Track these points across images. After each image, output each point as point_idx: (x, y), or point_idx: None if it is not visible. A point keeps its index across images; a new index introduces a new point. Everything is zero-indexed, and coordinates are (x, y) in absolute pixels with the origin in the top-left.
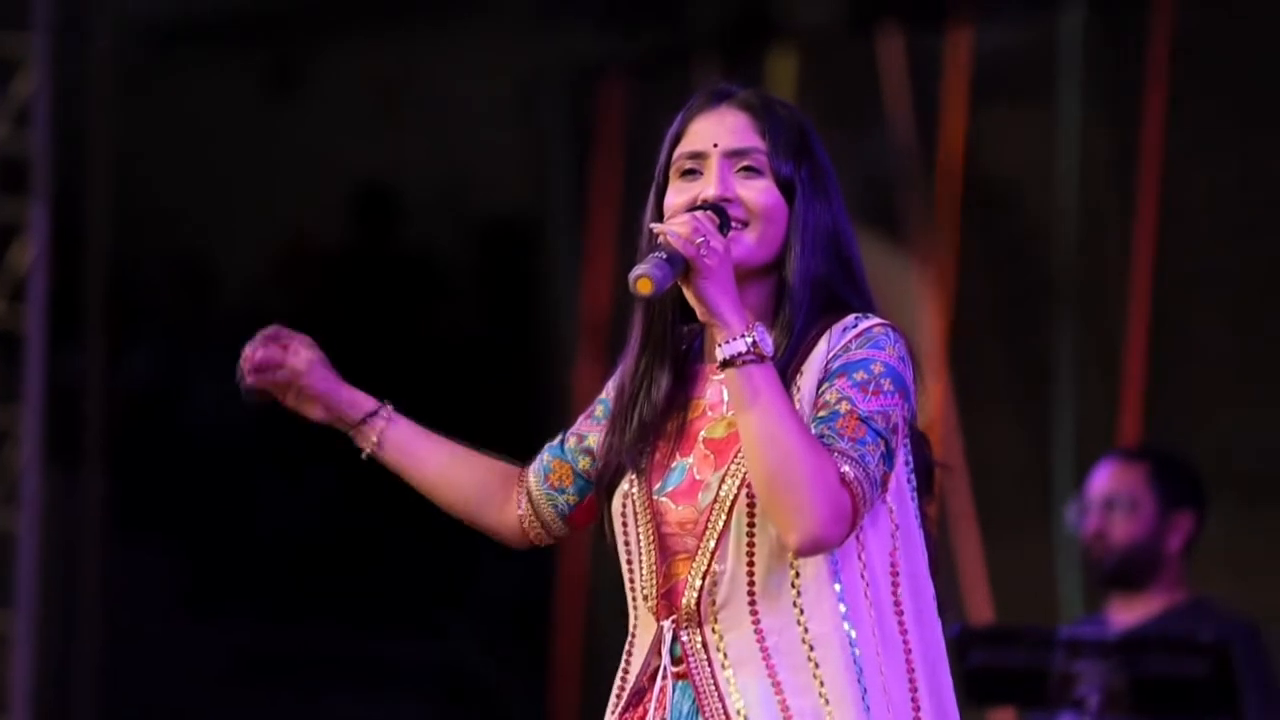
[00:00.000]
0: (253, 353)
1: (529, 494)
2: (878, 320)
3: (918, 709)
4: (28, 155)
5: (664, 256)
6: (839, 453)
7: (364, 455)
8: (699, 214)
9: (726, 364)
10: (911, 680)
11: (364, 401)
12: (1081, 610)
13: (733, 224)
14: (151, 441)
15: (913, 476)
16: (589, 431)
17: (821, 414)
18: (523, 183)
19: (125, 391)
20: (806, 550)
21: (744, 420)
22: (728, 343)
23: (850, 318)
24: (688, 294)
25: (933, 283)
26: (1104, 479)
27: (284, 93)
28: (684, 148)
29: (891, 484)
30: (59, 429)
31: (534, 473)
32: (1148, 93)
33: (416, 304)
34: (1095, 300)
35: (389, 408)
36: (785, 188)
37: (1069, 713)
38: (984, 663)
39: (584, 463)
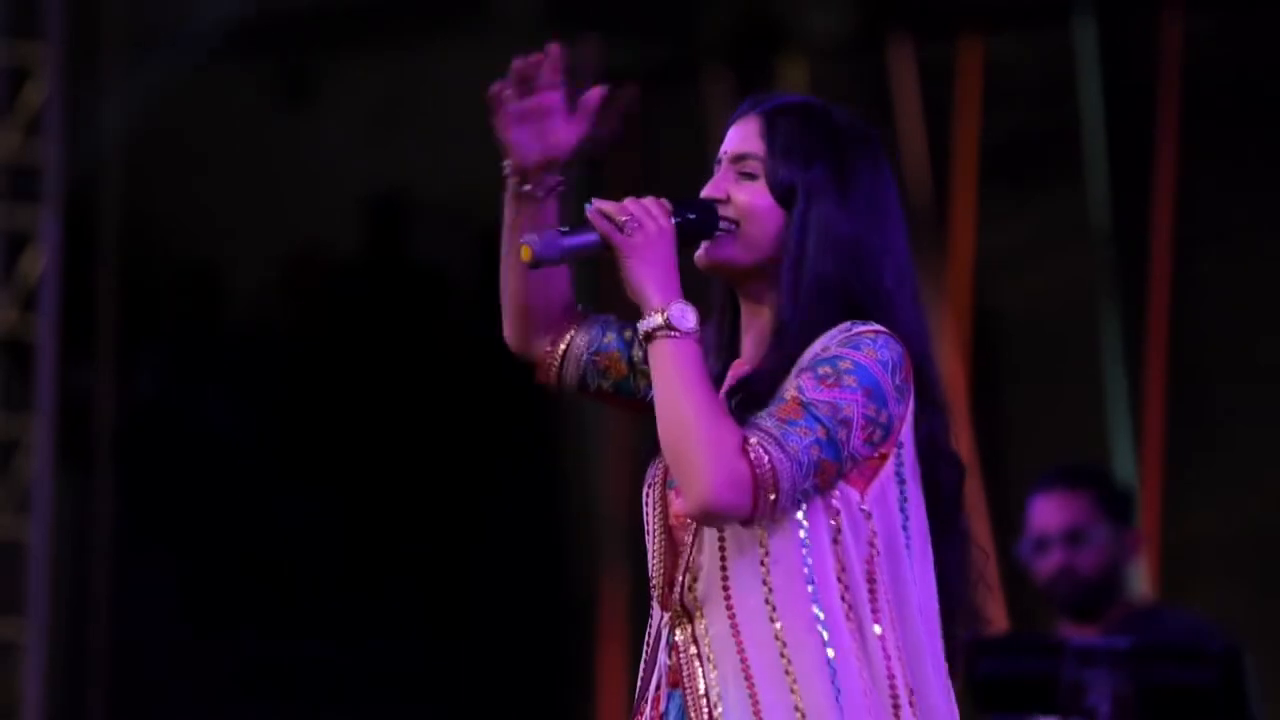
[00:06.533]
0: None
1: (571, 347)
2: (872, 327)
3: (899, 718)
4: (39, 164)
5: (566, 230)
6: (757, 428)
7: (519, 189)
8: (649, 199)
9: (646, 338)
10: (893, 686)
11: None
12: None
13: (722, 223)
14: (162, 450)
15: (907, 488)
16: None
17: (771, 402)
18: None
19: (136, 400)
20: (699, 516)
21: (656, 392)
22: (645, 317)
23: (847, 323)
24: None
25: (949, 287)
26: (1056, 511)
27: (294, 103)
28: (719, 154)
29: (872, 489)
30: (70, 438)
31: (588, 335)
32: (1160, 106)
33: (425, 313)
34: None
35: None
36: (782, 191)
37: None
38: (994, 671)
39: (642, 383)
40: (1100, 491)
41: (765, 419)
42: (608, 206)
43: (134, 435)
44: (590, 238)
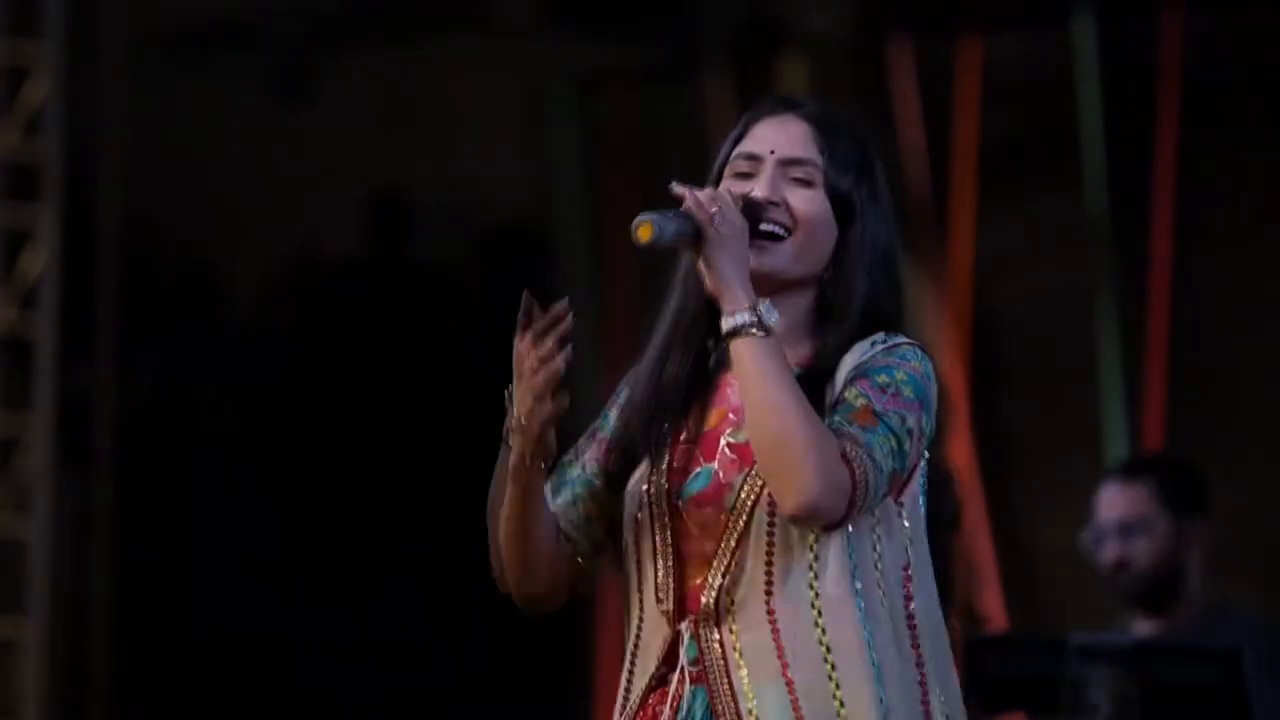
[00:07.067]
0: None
1: (574, 541)
2: (906, 339)
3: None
4: (39, 162)
5: (674, 214)
6: (845, 435)
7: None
8: (723, 191)
9: (731, 334)
10: (924, 689)
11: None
12: None
13: (773, 226)
14: (161, 449)
15: (924, 496)
16: (595, 460)
17: (838, 408)
18: (533, 192)
19: (136, 399)
20: (801, 518)
21: (747, 389)
22: (734, 314)
23: (880, 334)
24: (701, 264)
25: (948, 287)
26: (1113, 503)
27: (294, 102)
28: (742, 148)
29: (906, 495)
30: (70, 436)
31: (564, 518)
32: (1160, 105)
33: (426, 313)
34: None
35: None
36: (840, 203)
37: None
38: (995, 670)
39: (599, 482)
40: (1161, 482)
41: (847, 425)
42: (700, 195)
43: (134, 434)
44: (687, 226)
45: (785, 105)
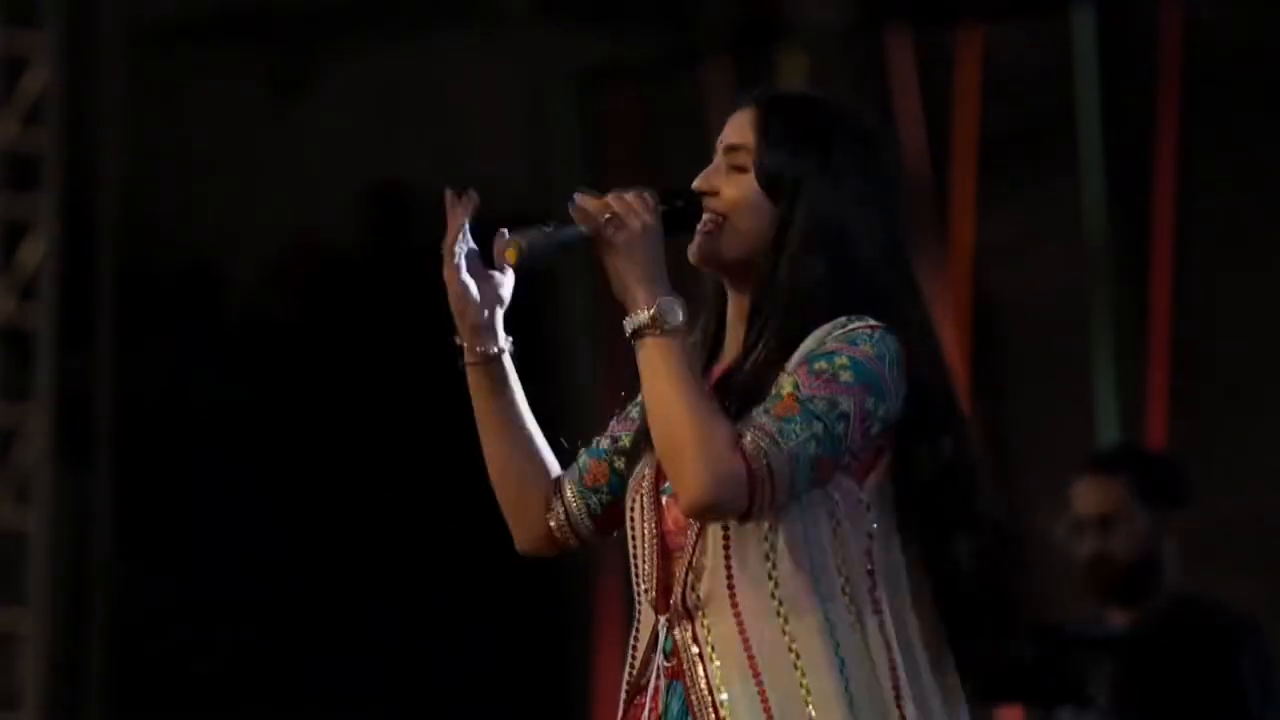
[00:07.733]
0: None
1: (563, 496)
2: (869, 323)
3: (901, 707)
4: (38, 153)
5: (553, 228)
6: (754, 426)
7: (469, 361)
8: (632, 193)
9: (631, 336)
10: (894, 676)
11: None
12: None
13: (706, 215)
14: (161, 440)
15: (901, 481)
16: (624, 431)
17: (768, 398)
18: (532, 186)
19: (135, 390)
20: (694, 514)
21: (643, 389)
22: (631, 316)
23: (843, 318)
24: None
25: (948, 277)
26: (1090, 497)
27: (293, 94)
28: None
29: (869, 482)
30: (69, 428)
31: (569, 474)
32: (1160, 95)
33: (425, 305)
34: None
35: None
36: (770, 184)
37: (1076, 709)
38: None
39: (620, 462)
40: (1136, 475)
41: (761, 415)
42: (591, 203)
43: (133, 425)
44: (577, 233)
45: (749, 96)
